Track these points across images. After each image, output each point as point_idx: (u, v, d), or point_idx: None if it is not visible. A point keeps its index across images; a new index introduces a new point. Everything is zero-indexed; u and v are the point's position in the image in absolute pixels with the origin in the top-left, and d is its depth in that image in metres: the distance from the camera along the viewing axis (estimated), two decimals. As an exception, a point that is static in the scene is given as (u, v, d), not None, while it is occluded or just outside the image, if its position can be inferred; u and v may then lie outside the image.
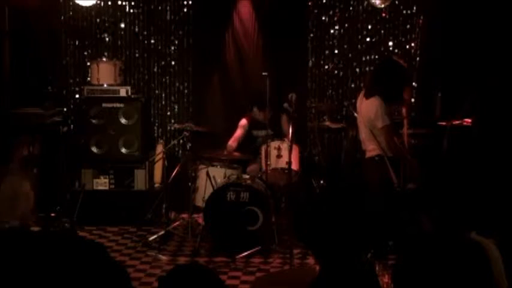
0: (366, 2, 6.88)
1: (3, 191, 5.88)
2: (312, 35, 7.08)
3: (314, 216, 2.40)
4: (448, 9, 6.51)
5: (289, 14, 6.98)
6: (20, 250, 1.60)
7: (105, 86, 6.62)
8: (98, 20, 7.08)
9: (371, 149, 5.06)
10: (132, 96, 6.69)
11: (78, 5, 6.82)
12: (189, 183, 6.05)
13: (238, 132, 6.46)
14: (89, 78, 6.82)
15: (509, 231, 4.76)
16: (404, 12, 6.96)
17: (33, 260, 1.56)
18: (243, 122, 6.49)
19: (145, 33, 7.11)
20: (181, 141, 6.98)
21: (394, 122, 5.13)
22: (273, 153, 5.88)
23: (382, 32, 6.99)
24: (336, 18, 7.03)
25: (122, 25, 7.09)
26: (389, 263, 4.25)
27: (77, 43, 7.11)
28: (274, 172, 5.88)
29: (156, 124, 7.26)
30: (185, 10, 7.10)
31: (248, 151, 6.36)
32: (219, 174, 5.97)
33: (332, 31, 7.05)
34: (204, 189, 5.93)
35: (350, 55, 7.05)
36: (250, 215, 5.61)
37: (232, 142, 6.40)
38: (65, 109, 6.93)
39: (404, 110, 5.40)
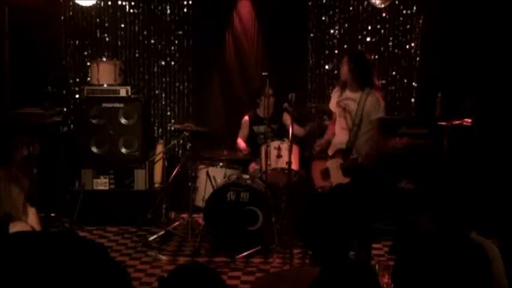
0: (365, 2, 6.88)
1: None
2: (312, 35, 7.08)
3: (314, 216, 2.40)
4: (448, 9, 6.51)
5: (289, 14, 6.97)
6: (21, 250, 1.60)
7: (105, 86, 6.62)
8: (98, 20, 7.08)
9: None
10: (132, 96, 6.68)
11: (78, 5, 6.82)
12: (189, 183, 6.05)
13: (241, 132, 6.57)
14: (88, 78, 6.82)
15: (510, 232, 4.77)
16: (404, 12, 6.96)
17: (35, 260, 1.56)
18: (245, 119, 6.55)
19: (145, 33, 7.12)
20: (181, 141, 6.98)
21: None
22: (273, 153, 5.88)
23: (382, 32, 6.99)
24: (336, 18, 7.03)
25: (122, 25, 7.10)
26: (390, 263, 4.26)
27: (77, 43, 7.12)
28: (274, 172, 5.88)
29: (156, 124, 7.26)
30: (185, 10, 7.10)
31: (249, 149, 6.39)
32: (219, 174, 5.97)
33: (332, 31, 7.05)
34: (204, 189, 5.93)
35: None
36: (250, 215, 5.61)
37: (239, 143, 6.52)
38: (65, 109, 6.93)
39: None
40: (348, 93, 5.07)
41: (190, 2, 7.07)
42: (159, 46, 7.12)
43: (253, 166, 6.32)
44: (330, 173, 5.11)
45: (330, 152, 5.18)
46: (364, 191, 4.86)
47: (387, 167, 5.24)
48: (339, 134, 5.12)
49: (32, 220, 2.88)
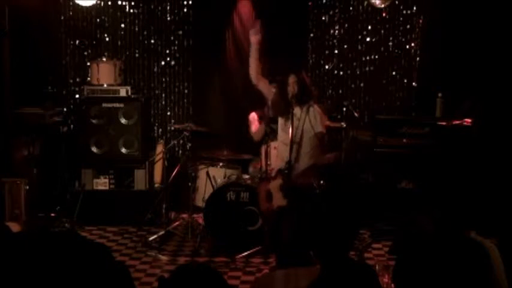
0: (365, 2, 6.88)
1: None
2: (312, 35, 7.08)
3: (314, 216, 2.40)
4: (448, 9, 6.51)
5: (289, 14, 6.98)
6: (24, 250, 1.60)
7: (105, 86, 6.62)
8: (98, 20, 7.08)
9: None
10: (132, 96, 6.69)
11: (78, 5, 6.82)
12: (189, 183, 6.05)
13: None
14: (89, 78, 6.82)
15: (509, 232, 4.77)
16: (404, 12, 6.96)
17: (37, 260, 1.56)
18: (252, 115, 6.47)
19: (145, 33, 7.12)
20: (181, 141, 6.98)
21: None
22: (273, 153, 5.87)
23: (382, 32, 6.99)
24: (336, 18, 7.03)
25: (122, 25, 7.10)
26: (390, 263, 4.25)
27: (77, 43, 7.12)
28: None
29: (156, 124, 7.26)
30: (185, 10, 7.10)
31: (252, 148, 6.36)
32: (219, 174, 5.97)
33: (332, 31, 7.05)
34: (204, 189, 5.94)
35: (350, 55, 7.05)
36: (250, 215, 5.61)
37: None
38: (65, 109, 6.93)
39: None
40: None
41: (190, 2, 7.08)
42: (159, 46, 7.13)
43: (253, 166, 6.31)
44: (272, 196, 5.09)
45: (273, 174, 5.17)
46: (302, 212, 4.74)
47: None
48: (282, 151, 5.07)
49: None
